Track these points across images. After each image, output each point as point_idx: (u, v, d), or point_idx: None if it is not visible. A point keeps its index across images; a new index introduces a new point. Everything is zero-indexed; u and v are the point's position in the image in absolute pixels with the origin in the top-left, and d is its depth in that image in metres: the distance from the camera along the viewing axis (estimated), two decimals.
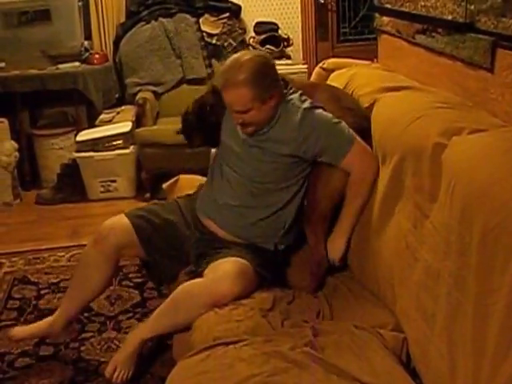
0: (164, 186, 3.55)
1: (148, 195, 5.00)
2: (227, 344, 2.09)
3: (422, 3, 2.72)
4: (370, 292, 2.45)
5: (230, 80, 2.50)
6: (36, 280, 3.77)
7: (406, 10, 2.92)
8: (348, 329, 2.17)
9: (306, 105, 2.59)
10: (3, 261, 4.08)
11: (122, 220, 2.79)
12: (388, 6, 3.16)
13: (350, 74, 3.15)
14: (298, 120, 2.54)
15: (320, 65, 3.44)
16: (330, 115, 2.58)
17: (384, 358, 2.03)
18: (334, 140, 2.54)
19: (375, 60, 3.52)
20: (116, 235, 2.74)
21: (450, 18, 2.46)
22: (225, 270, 2.48)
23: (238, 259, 2.54)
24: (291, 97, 2.62)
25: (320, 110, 2.59)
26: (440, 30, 2.61)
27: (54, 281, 3.72)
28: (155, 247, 2.77)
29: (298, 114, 2.55)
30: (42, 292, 3.61)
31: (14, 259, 4.08)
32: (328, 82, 3.26)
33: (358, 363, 1.98)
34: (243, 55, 2.56)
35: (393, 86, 2.73)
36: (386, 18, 3.27)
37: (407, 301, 2.14)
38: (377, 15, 3.41)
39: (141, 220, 2.78)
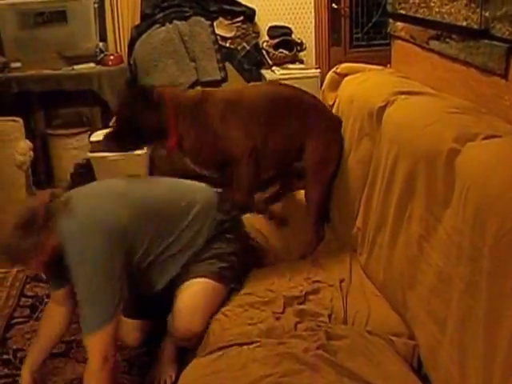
0: None
1: None
2: (241, 345, 2.11)
3: (437, 9, 2.72)
4: (383, 296, 2.46)
5: None
6: None
7: (420, 15, 2.92)
8: (361, 334, 2.18)
9: None
10: None
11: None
12: (402, 11, 3.17)
13: (363, 79, 3.16)
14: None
15: (333, 69, 3.44)
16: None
17: (395, 363, 2.04)
18: None
19: (388, 65, 3.53)
20: None
21: (464, 24, 2.46)
22: (179, 310, 2.49)
23: (195, 282, 2.53)
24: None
25: None
26: (454, 36, 2.61)
27: None
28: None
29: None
30: None
31: None
32: (341, 86, 3.29)
33: (369, 367, 1.99)
34: None
35: (406, 91, 2.73)
36: (399, 24, 3.27)
37: (418, 305, 2.15)
38: (391, 21, 3.41)
39: None
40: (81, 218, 2.35)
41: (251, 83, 3.23)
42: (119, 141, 2.81)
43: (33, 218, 2.31)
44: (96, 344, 2.25)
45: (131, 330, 2.81)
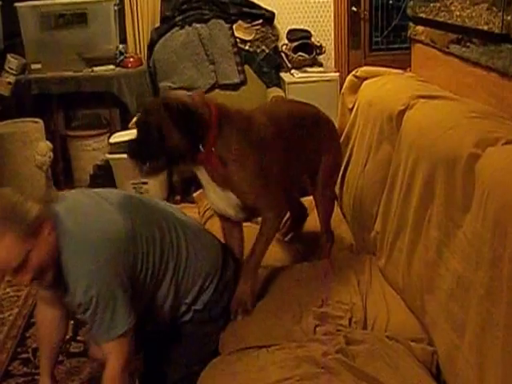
0: (194, 194, 3.67)
1: (178, 198, 5.04)
2: (259, 347, 2.11)
3: (458, 13, 2.71)
4: (402, 300, 2.45)
5: None
6: None
7: (441, 19, 2.91)
8: (380, 339, 2.17)
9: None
10: None
11: None
12: (422, 15, 3.16)
13: (383, 83, 3.16)
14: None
15: (353, 73, 3.45)
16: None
17: (414, 368, 2.03)
18: None
19: (408, 69, 3.52)
20: None
21: (485, 28, 2.45)
22: None
23: None
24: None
25: None
26: (475, 40, 2.60)
27: None
28: None
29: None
30: None
31: None
32: (360, 90, 3.29)
33: (388, 372, 1.99)
34: None
35: (426, 95, 2.73)
36: (420, 28, 3.27)
37: (437, 310, 2.15)
38: (411, 24, 3.40)
39: None
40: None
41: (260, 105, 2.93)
42: (152, 163, 2.36)
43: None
44: (120, 348, 2.18)
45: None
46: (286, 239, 3.08)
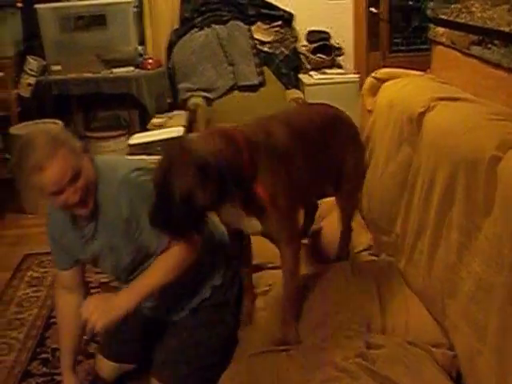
0: None
1: None
2: (280, 350, 2.10)
3: (479, 14, 2.70)
4: (422, 302, 2.44)
5: (39, 156, 2.11)
6: (87, 279, 3.84)
7: (462, 21, 2.89)
8: (400, 343, 2.16)
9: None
10: None
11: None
12: (443, 16, 3.14)
13: (403, 84, 3.15)
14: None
15: (373, 74, 3.43)
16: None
17: (435, 372, 2.02)
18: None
19: (428, 71, 3.51)
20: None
21: (507, 30, 2.44)
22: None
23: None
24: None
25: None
26: (496, 41, 2.59)
27: (104, 280, 3.77)
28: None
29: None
30: (93, 291, 3.65)
31: None
32: (380, 91, 3.27)
33: (409, 376, 1.98)
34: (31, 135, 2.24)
35: (446, 97, 2.71)
36: (440, 29, 3.25)
37: (457, 313, 2.13)
38: (431, 26, 3.39)
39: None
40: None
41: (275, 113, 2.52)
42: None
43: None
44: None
45: (109, 370, 2.76)
46: (309, 235, 3.07)
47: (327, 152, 2.62)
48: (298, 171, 2.34)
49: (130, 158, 2.49)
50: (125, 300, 2.20)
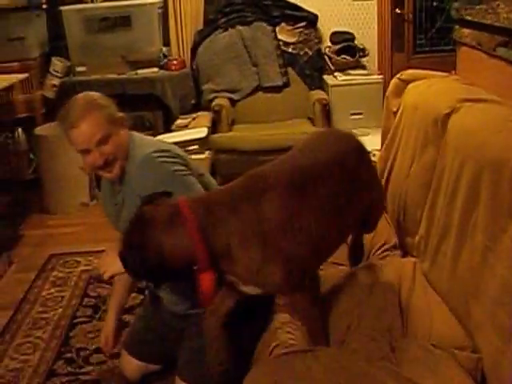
0: None
1: None
2: (304, 351, 2.10)
3: (505, 15, 2.68)
4: (446, 305, 2.42)
5: (76, 114, 2.37)
6: None
7: (488, 22, 2.87)
8: (424, 346, 2.14)
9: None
10: (80, 260, 4.21)
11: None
12: (468, 17, 3.13)
13: (428, 86, 3.13)
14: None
15: (397, 76, 3.42)
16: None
17: (459, 375, 2.01)
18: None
19: (453, 72, 3.49)
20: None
21: None
22: None
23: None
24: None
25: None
26: None
27: None
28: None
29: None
30: None
31: (90, 258, 4.21)
32: (405, 93, 3.26)
33: (433, 379, 1.97)
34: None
35: (472, 98, 2.70)
36: (465, 30, 3.23)
37: (482, 316, 2.12)
38: (456, 27, 3.37)
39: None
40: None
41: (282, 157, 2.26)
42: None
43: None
44: None
45: (133, 369, 2.84)
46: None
47: (349, 204, 2.23)
48: (298, 246, 2.01)
49: (162, 139, 2.73)
50: None
